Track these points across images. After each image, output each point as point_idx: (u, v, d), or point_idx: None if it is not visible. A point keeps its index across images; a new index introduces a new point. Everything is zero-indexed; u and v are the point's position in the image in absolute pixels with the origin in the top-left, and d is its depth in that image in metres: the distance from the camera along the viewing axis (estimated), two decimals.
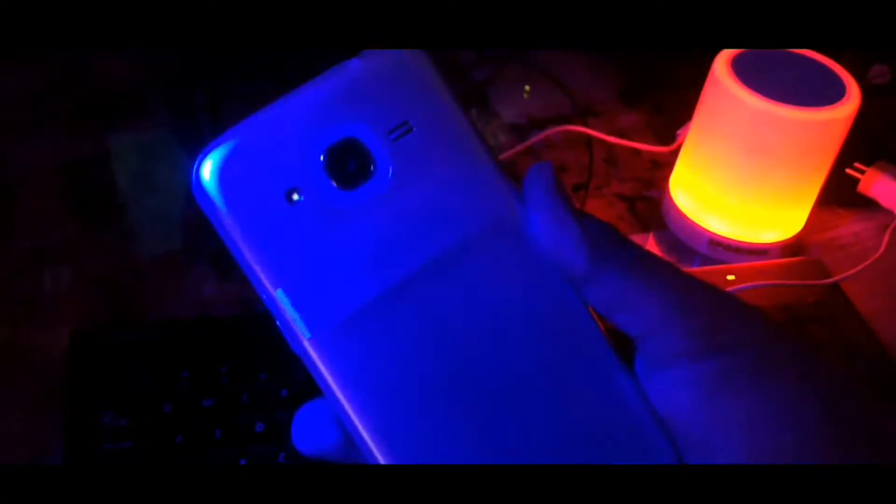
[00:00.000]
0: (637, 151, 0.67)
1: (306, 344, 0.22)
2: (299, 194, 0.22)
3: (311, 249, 0.22)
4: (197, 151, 0.22)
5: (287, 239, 0.22)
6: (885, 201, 0.62)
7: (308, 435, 0.23)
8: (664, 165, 0.66)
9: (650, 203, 0.64)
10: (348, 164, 0.23)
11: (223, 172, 0.22)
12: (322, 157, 0.23)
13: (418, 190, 0.23)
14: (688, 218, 0.60)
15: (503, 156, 0.64)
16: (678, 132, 0.65)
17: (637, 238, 0.60)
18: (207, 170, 0.22)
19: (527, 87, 0.72)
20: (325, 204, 0.23)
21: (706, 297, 0.23)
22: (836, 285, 0.55)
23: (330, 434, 0.23)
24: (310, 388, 0.23)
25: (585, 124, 0.68)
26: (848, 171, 0.62)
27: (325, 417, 0.23)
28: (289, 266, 0.22)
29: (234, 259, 0.23)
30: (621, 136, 0.67)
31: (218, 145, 0.22)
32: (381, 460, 0.22)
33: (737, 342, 0.22)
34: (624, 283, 0.23)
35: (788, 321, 0.52)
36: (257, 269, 0.22)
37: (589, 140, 0.67)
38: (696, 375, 0.22)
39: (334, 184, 0.23)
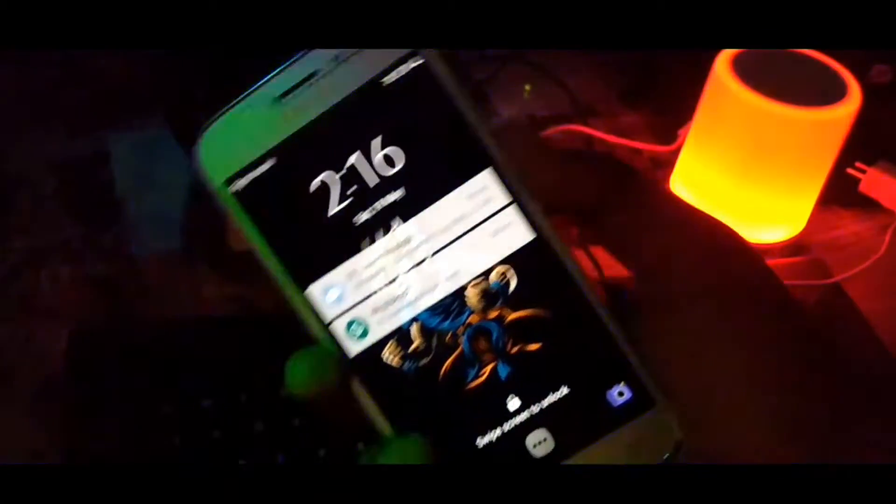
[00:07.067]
0: (638, 151, 0.67)
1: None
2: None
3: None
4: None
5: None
6: (886, 201, 0.62)
7: (304, 375, 0.23)
8: (665, 165, 0.66)
9: None
10: None
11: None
12: None
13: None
14: None
15: None
16: (679, 132, 0.65)
17: None
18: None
19: (527, 87, 0.72)
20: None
21: (710, 230, 0.23)
22: (837, 285, 0.55)
23: (325, 372, 0.23)
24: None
25: (586, 124, 0.68)
26: (849, 170, 0.62)
27: (318, 359, 0.23)
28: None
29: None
30: (622, 135, 0.67)
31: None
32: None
33: (730, 283, 0.22)
34: (633, 216, 0.23)
35: None
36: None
37: (590, 140, 0.67)
38: (693, 317, 0.22)
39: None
